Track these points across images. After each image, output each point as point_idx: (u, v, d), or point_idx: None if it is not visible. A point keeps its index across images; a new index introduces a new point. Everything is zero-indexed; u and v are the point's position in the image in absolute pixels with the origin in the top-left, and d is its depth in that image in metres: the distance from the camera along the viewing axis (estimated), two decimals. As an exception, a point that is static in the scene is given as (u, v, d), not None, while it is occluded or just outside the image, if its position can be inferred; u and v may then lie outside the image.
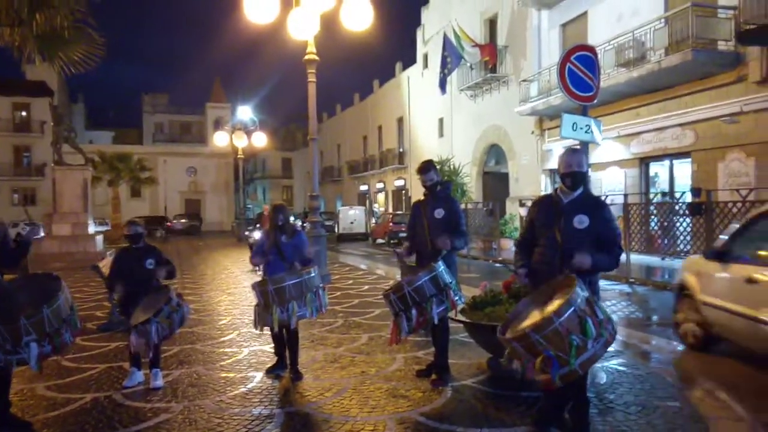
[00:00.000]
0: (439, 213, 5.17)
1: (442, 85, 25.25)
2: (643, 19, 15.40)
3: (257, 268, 5.60)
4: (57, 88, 45.57)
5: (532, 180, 21.91)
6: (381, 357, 5.95)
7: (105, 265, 8.16)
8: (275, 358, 5.66)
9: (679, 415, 4.23)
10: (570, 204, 3.87)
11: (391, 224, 27.04)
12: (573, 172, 3.88)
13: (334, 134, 49.70)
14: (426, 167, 5.29)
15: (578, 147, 6.88)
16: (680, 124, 14.93)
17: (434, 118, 30.95)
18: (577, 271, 3.63)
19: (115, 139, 58.48)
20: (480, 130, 25.96)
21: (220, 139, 34.18)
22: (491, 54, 24.01)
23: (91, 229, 22.61)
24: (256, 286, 5.13)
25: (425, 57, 32.49)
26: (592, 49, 7.40)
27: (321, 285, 5.24)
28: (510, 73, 23.37)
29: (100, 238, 23.18)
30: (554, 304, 3.34)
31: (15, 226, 36.21)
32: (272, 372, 5.49)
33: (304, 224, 14.54)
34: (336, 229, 33.36)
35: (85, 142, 48.68)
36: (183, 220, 46.26)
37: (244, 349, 6.56)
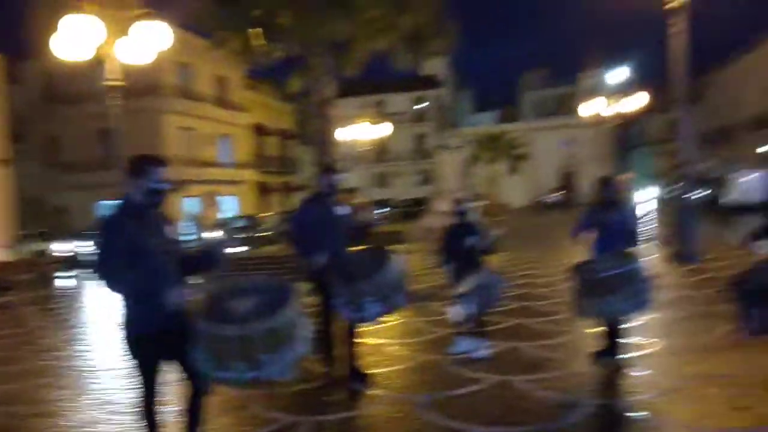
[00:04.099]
0: None
1: None
2: None
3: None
4: (445, 78, 51.03)
5: None
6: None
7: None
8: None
9: None
10: None
11: None
12: None
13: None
14: None
15: None
16: None
17: None
18: None
19: (499, 120, 61.03)
20: None
21: (588, 109, 32.84)
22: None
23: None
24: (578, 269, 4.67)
25: None
26: None
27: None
28: None
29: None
30: None
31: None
32: None
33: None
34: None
35: (470, 126, 53.42)
36: (557, 194, 46.56)
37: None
